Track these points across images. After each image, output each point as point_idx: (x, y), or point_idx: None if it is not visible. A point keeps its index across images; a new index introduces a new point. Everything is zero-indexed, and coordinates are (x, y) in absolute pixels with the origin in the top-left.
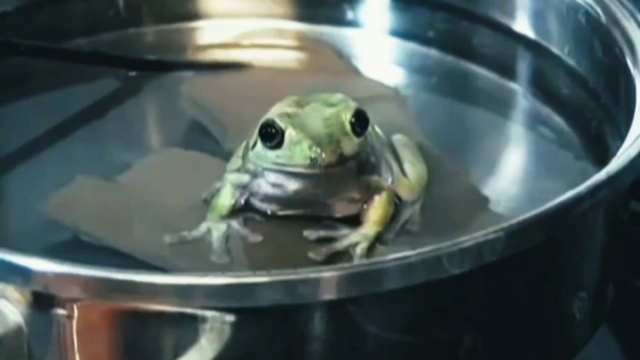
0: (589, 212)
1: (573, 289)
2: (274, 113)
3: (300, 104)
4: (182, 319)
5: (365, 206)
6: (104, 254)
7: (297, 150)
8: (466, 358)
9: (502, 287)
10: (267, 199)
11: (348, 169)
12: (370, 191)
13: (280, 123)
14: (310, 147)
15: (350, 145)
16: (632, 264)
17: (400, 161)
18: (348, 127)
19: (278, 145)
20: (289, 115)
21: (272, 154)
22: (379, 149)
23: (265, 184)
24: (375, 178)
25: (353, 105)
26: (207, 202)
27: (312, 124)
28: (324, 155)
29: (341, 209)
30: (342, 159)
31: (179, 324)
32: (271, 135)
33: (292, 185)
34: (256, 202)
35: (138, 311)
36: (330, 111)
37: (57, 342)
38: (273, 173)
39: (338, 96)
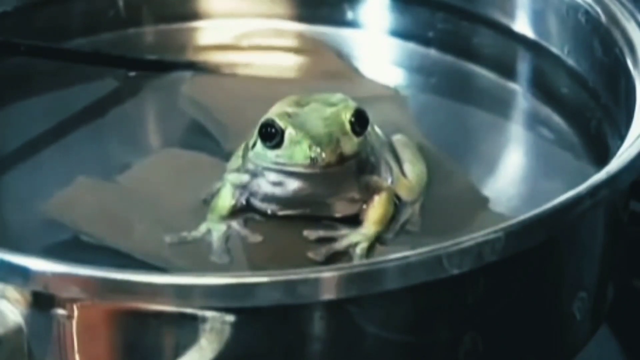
0: (589, 212)
1: (573, 289)
2: (274, 113)
3: (300, 104)
4: (182, 319)
5: (364, 206)
6: (104, 254)
7: (297, 150)
8: (466, 358)
9: (502, 287)
10: (267, 198)
11: (348, 169)
12: (370, 191)
13: (280, 123)
14: (310, 147)
15: (350, 144)
16: (632, 264)
17: (400, 161)
18: (348, 126)
19: (278, 144)
20: (289, 115)
21: (272, 154)
22: (379, 149)
23: (265, 184)
24: (375, 178)
25: (353, 104)
26: (207, 203)
27: (312, 124)
28: (323, 154)
29: (341, 209)
30: (341, 159)
31: (179, 324)
32: (271, 135)
33: (292, 185)
34: (256, 202)
35: (138, 311)
36: (330, 111)
37: (57, 342)
38: (273, 173)
39: (338, 96)
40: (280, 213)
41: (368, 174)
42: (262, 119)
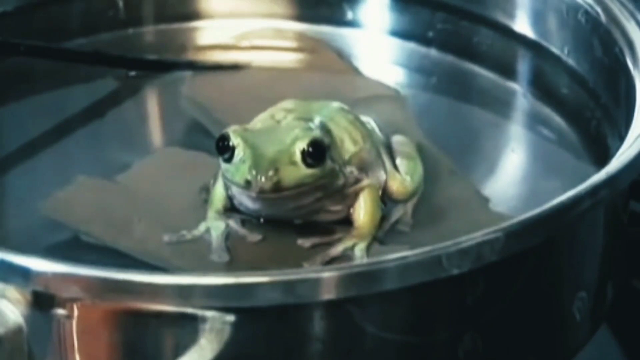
0: (589, 212)
1: (573, 289)
2: (231, 128)
3: (286, 113)
4: (182, 319)
5: (351, 210)
6: (104, 254)
7: (240, 169)
8: (466, 358)
9: (502, 287)
10: (244, 206)
11: (299, 196)
12: (350, 197)
13: (233, 138)
14: (249, 169)
15: (293, 175)
16: (632, 264)
17: (394, 158)
18: (297, 156)
19: (229, 159)
20: (245, 132)
21: (224, 167)
22: (376, 150)
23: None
24: (352, 189)
25: (312, 134)
26: (207, 202)
27: (262, 146)
28: (260, 179)
29: (325, 216)
30: (277, 188)
31: (179, 324)
32: (224, 149)
33: (246, 201)
34: (242, 208)
35: (138, 311)
36: (288, 135)
37: (57, 342)
38: (232, 185)
39: (335, 104)
40: (267, 218)
41: (338, 193)
42: (221, 131)
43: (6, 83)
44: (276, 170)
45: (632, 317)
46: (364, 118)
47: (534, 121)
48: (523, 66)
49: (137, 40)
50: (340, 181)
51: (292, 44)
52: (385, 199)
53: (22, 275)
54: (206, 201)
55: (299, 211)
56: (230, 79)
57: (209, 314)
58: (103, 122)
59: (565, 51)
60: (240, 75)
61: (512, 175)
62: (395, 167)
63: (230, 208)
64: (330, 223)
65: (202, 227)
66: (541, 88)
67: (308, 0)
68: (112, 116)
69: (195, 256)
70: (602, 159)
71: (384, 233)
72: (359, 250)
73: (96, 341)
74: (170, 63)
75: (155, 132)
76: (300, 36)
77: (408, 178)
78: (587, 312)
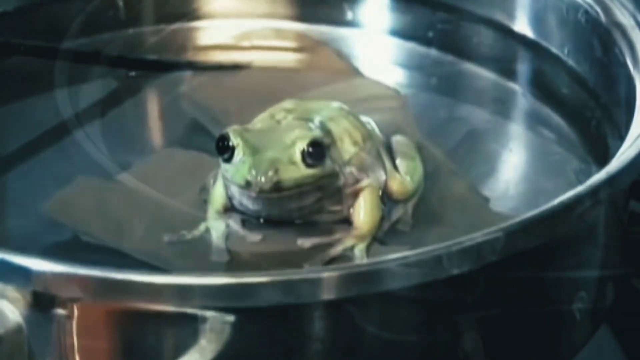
0: (589, 212)
1: (573, 289)
2: (231, 128)
3: (286, 113)
4: (182, 319)
5: (351, 210)
6: (104, 254)
7: (240, 169)
8: (466, 358)
9: (502, 287)
10: (244, 206)
11: (299, 195)
12: (349, 197)
13: (233, 139)
14: (249, 169)
15: (293, 175)
16: (632, 264)
17: (394, 158)
18: (297, 156)
19: (229, 159)
20: (245, 132)
21: (224, 167)
22: (376, 150)
23: (238, 193)
24: (351, 189)
25: (312, 134)
26: (206, 202)
27: (262, 146)
28: (260, 179)
29: (325, 216)
30: (277, 188)
31: (179, 324)
32: (224, 149)
33: (246, 201)
34: (242, 208)
35: (138, 311)
36: (287, 136)
37: (57, 342)
38: (232, 185)
39: (335, 105)
40: (267, 218)
41: (336, 196)
42: (221, 132)
43: (6, 83)
44: (276, 170)
45: (632, 317)
46: (364, 118)
47: (534, 121)
48: (523, 66)
49: (137, 40)
50: (340, 181)
51: (292, 44)
52: (385, 199)
53: (22, 275)
54: (206, 201)
55: (298, 211)
56: (230, 79)
57: (209, 314)
58: (103, 122)
59: (565, 51)
60: (240, 75)
61: (512, 175)
62: (395, 167)
63: (230, 208)
64: (330, 223)
65: (202, 227)
66: (541, 88)
67: (308, 0)
68: (112, 116)
69: (195, 256)
70: (602, 159)
71: (384, 233)
72: (359, 250)
73: (96, 341)
74: (170, 63)
75: (155, 132)
76: (300, 36)
77: (408, 178)
78: (587, 312)
